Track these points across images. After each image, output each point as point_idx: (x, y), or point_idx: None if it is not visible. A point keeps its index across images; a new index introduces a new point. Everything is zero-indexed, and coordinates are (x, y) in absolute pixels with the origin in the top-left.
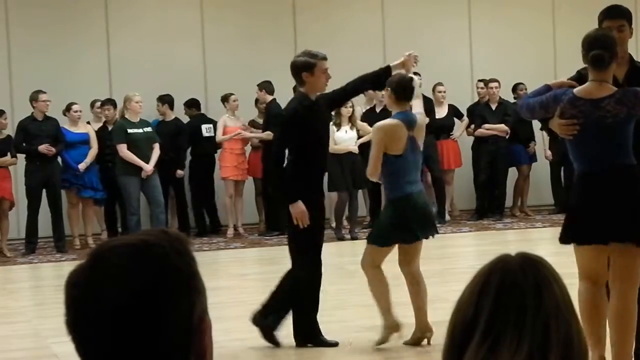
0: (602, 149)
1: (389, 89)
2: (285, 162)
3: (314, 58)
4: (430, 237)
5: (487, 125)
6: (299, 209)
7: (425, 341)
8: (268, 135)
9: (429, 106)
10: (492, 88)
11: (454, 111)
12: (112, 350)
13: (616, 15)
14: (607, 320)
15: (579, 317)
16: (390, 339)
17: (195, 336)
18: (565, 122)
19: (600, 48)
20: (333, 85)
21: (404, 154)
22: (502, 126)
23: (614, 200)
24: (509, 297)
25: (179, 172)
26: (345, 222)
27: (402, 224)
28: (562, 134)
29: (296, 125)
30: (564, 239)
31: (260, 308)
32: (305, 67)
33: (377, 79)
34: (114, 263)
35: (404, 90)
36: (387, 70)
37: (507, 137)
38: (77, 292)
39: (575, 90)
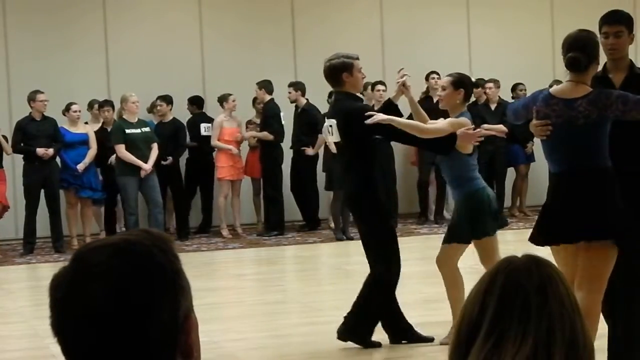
0: (572, 150)
1: (461, 88)
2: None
3: (350, 58)
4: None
5: (485, 126)
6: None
7: None
8: (265, 135)
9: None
10: (489, 88)
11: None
12: (98, 351)
13: (614, 21)
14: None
15: None
16: None
17: (181, 334)
18: (539, 122)
19: (577, 50)
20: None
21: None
22: (501, 126)
23: (581, 201)
24: (513, 296)
25: (168, 158)
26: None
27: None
28: (537, 135)
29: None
30: (536, 240)
31: (348, 324)
32: (345, 68)
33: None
34: (96, 263)
35: (472, 91)
36: (390, 102)
37: (505, 137)
38: (60, 293)
39: (551, 89)
